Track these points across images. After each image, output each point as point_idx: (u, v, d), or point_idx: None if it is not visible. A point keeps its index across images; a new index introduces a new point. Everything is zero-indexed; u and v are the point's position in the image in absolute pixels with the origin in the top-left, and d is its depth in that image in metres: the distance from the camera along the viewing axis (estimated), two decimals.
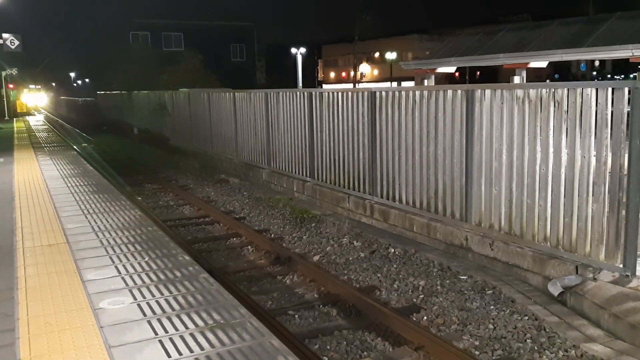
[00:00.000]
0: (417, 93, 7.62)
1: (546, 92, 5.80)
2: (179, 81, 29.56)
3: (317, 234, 8.35)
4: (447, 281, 6.12)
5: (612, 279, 5.14)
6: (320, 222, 8.88)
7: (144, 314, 3.24)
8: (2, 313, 3.35)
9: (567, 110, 5.55)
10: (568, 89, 5.56)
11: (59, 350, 2.84)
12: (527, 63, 15.04)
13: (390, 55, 58.03)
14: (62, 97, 60.32)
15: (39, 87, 72.13)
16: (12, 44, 18.30)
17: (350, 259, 7.11)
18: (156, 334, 2.98)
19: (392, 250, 7.29)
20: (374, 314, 5.26)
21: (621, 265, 5.14)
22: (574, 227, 5.51)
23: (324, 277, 6.33)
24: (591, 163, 5.33)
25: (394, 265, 6.73)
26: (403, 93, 7.91)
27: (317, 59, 75.28)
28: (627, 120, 5.06)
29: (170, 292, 3.59)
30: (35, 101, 61.91)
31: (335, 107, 9.53)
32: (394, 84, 54.93)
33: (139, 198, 11.03)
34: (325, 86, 66.99)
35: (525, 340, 4.69)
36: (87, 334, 3.01)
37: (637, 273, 5.06)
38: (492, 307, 5.40)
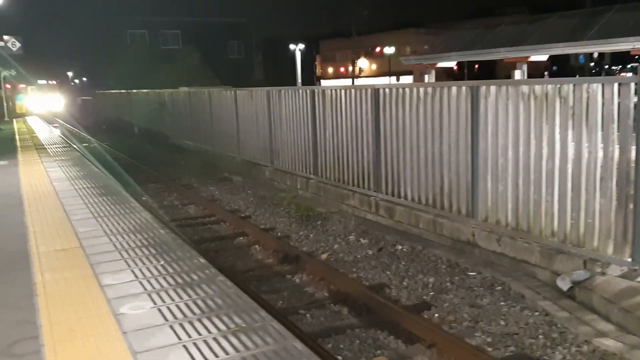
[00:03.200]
0: (422, 90, 7.65)
1: (552, 88, 5.83)
2: (177, 79, 29.62)
3: (324, 232, 8.39)
4: (456, 278, 6.17)
5: (620, 273, 5.20)
6: (326, 220, 8.92)
7: (166, 319, 3.27)
8: (25, 320, 3.38)
9: (573, 106, 5.59)
10: (574, 85, 5.60)
11: (84, 357, 2.88)
12: (528, 57, 15.06)
13: (389, 50, 57.96)
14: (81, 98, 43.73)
15: (54, 82, 52.94)
16: (14, 46, 18.28)
17: (358, 256, 7.15)
18: (180, 339, 3.01)
19: (400, 247, 7.34)
20: (385, 312, 5.31)
21: (630, 260, 5.19)
22: (582, 222, 5.56)
23: (333, 275, 6.37)
24: (598, 158, 5.37)
25: (402, 263, 6.78)
26: (407, 90, 7.94)
27: (314, 54, 75.02)
28: (634, 115, 5.10)
29: (189, 295, 3.62)
30: (48, 104, 39.91)
31: (339, 104, 9.56)
32: (393, 78, 54.94)
33: (144, 198, 11.05)
34: (323, 81, 66.88)
35: (538, 337, 4.74)
36: (111, 340, 3.04)
37: None
38: (502, 303, 5.45)
